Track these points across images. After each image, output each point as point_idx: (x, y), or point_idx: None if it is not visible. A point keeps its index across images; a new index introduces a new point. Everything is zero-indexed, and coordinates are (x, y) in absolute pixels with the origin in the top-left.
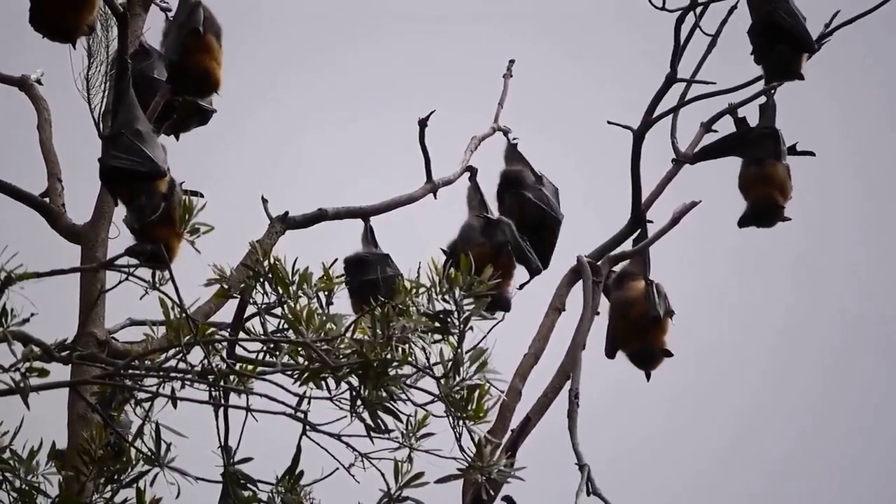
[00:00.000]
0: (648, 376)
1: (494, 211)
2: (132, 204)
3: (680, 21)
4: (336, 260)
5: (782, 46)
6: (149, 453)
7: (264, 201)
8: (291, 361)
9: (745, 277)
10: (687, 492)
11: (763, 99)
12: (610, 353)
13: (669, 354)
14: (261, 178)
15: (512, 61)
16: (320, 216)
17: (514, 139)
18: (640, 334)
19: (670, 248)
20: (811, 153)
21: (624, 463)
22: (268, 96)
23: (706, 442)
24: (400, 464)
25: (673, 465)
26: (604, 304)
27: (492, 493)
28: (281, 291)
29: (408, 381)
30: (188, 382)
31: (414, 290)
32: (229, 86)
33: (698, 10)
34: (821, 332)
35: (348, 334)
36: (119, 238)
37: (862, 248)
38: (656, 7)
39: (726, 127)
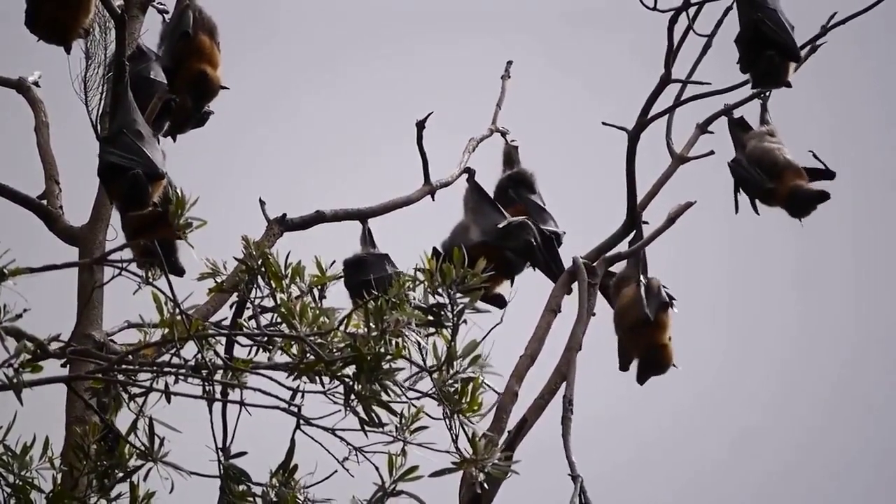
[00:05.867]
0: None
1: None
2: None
3: (672, 22)
4: (334, 262)
5: (772, 53)
6: (142, 448)
7: (262, 203)
8: (285, 356)
9: (747, 278)
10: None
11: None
12: (623, 367)
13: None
14: (258, 180)
15: (510, 63)
16: (318, 218)
17: (513, 141)
18: (640, 339)
19: (671, 249)
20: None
21: (619, 473)
22: (265, 98)
23: (704, 453)
24: (394, 457)
25: (669, 477)
26: (601, 307)
27: (487, 487)
28: (274, 285)
29: (406, 382)
30: (182, 377)
31: (408, 284)
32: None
33: (691, 11)
34: (826, 333)
35: (342, 328)
36: (117, 240)
37: (866, 250)
38: (648, 7)
39: (722, 128)
